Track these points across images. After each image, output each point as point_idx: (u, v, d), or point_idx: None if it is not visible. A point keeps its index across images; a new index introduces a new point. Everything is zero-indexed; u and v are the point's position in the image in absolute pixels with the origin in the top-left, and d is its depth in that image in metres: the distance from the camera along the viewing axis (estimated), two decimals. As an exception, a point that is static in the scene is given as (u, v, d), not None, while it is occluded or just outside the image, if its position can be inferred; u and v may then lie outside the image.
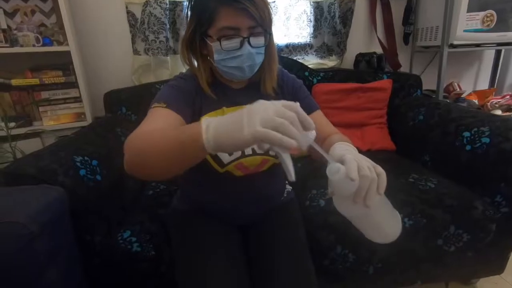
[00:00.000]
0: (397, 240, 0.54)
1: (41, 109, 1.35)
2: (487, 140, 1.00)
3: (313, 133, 0.43)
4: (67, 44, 1.27)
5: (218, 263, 0.69)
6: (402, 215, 0.55)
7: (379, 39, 1.74)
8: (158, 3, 1.42)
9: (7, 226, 0.58)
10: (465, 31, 1.52)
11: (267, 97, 0.75)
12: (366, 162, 0.47)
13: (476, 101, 1.74)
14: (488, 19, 1.51)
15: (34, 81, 1.30)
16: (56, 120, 1.37)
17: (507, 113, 1.66)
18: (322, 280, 0.74)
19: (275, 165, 0.79)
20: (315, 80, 1.54)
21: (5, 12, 1.29)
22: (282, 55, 1.66)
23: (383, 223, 0.53)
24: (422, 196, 0.97)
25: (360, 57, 1.69)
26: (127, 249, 0.83)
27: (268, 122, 0.38)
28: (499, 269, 1.09)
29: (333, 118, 1.38)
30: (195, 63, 0.74)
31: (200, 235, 0.76)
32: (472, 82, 2.07)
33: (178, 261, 0.75)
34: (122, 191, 1.00)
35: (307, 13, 1.68)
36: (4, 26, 1.27)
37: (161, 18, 1.44)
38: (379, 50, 1.74)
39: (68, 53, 1.27)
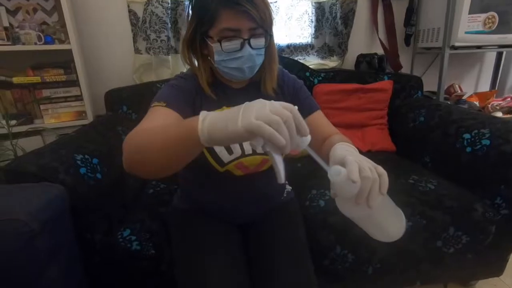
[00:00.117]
0: (397, 241, 0.54)
1: (42, 107, 1.35)
2: (487, 142, 1.00)
3: (307, 139, 0.43)
4: (69, 43, 1.27)
5: (218, 262, 0.70)
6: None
7: (380, 40, 1.74)
8: (160, 2, 1.42)
9: (8, 224, 0.59)
10: (466, 32, 1.52)
11: (267, 97, 0.75)
12: (367, 163, 0.47)
13: (477, 103, 1.74)
14: (490, 21, 1.51)
15: (36, 79, 1.30)
16: (57, 118, 1.37)
17: (508, 115, 1.66)
18: (322, 280, 0.74)
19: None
20: (316, 81, 1.54)
21: (7, 10, 1.29)
22: (283, 55, 1.66)
23: (387, 222, 0.53)
24: (422, 197, 0.97)
25: (361, 58, 1.69)
26: (127, 248, 0.83)
27: (263, 117, 0.38)
28: (498, 271, 1.09)
29: (333, 119, 1.39)
30: (196, 63, 0.74)
31: (200, 234, 0.76)
32: (473, 84, 2.07)
33: (178, 260, 0.75)
34: (122, 190, 1.00)
35: (308, 14, 1.68)
36: (6, 24, 1.27)
37: (162, 17, 1.44)
38: (380, 51, 1.75)
39: (69, 52, 1.27)
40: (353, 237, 0.89)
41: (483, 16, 1.50)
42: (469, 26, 1.51)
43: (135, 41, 1.50)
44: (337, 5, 1.61)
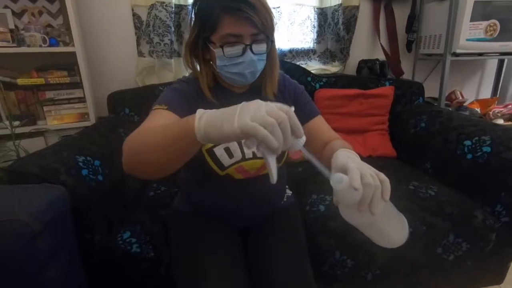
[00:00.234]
0: (397, 247, 0.54)
1: (45, 108, 1.36)
2: (488, 149, 1.01)
3: (302, 140, 0.44)
4: (73, 45, 1.28)
5: (218, 264, 0.70)
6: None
7: (382, 46, 1.74)
8: (164, 6, 1.44)
9: (9, 224, 0.59)
10: (468, 40, 1.52)
11: (267, 100, 0.77)
12: (369, 170, 0.47)
13: (478, 110, 1.74)
14: (491, 28, 1.52)
15: (40, 80, 1.31)
16: (60, 119, 1.38)
17: (509, 123, 1.66)
18: (321, 285, 0.74)
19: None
20: (317, 86, 1.55)
21: (13, 13, 1.31)
22: (285, 60, 1.67)
23: (390, 228, 0.53)
24: (422, 203, 0.97)
25: (363, 64, 1.69)
26: (127, 250, 0.84)
27: (258, 119, 0.38)
28: (498, 279, 1.08)
29: (335, 124, 1.40)
30: (198, 67, 0.75)
31: (200, 236, 0.77)
32: (474, 91, 2.08)
33: (177, 261, 0.75)
34: (123, 192, 1.01)
35: (311, 19, 1.70)
36: (12, 26, 1.29)
37: (166, 21, 1.45)
38: (382, 57, 1.75)
39: (73, 54, 1.29)
40: (353, 242, 0.89)
41: (484, 23, 1.51)
42: (470, 34, 1.52)
43: (138, 44, 1.51)
44: (339, 11, 1.62)
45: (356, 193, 0.44)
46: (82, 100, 1.39)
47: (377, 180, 0.46)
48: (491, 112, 1.70)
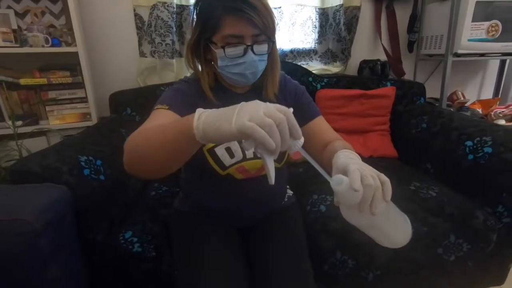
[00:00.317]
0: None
1: (47, 108, 1.37)
2: (489, 149, 1.00)
3: (300, 141, 0.44)
4: (75, 45, 1.29)
5: (219, 264, 0.70)
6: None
7: (383, 46, 1.74)
8: (166, 7, 1.44)
9: (12, 224, 0.60)
10: (469, 40, 1.52)
11: (269, 102, 0.77)
12: (370, 171, 0.47)
13: (480, 110, 1.74)
14: (493, 29, 1.51)
15: (42, 80, 1.32)
16: (62, 119, 1.39)
17: (511, 123, 1.66)
18: (321, 285, 0.74)
19: (277, 169, 0.79)
20: (318, 86, 1.55)
21: (16, 13, 1.32)
22: (286, 60, 1.67)
23: (392, 229, 0.54)
24: (423, 204, 0.97)
25: (364, 64, 1.69)
26: (128, 249, 0.84)
27: (256, 119, 0.38)
28: (499, 280, 1.08)
29: (336, 124, 1.40)
30: (199, 67, 0.75)
31: (201, 237, 0.77)
32: (476, 91, 2.07)
33: (178, 261, 0.76)
34: (125, 192, 1.01)
35: (312, 19, 1.70)
36: (15, 27, 1.30)
37: (168, 21, 1.46)
38: (383, 57, 1.75)
39: (75, 54, 1.29)
40: (354, 242, 0.89)
41: (486, 24, 1.51)
42: (472, 34, 1.51)
43: (140, 44, 1.52)
44: (341, 12, 1.62)
45: (357, 194, 0.44)
46: (84, 100, 1.39)
47: (377, 181, 0.46)
48: (492, 113, 1.70)
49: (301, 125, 0.78)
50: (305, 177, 1.18)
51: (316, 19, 1.70)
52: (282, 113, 0.40)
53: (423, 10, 1.75)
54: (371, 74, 1.66)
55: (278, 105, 0.42)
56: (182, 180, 0.88)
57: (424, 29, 1.77)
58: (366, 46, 1.81)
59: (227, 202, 0.79)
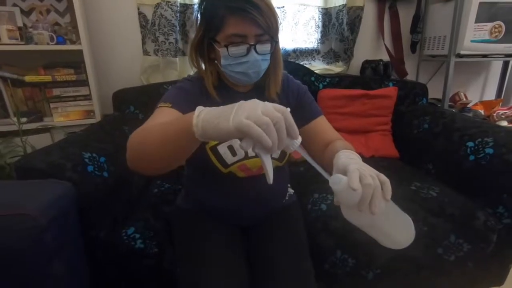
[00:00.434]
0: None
1: (52, 105, 1.38)
2: (490, 150, 1.01)
3: (297, 141, 0.44)
4: (80, 43, 1.30)
5: (220, 262, 0.71)
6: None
7: (386, 46, 1.75)
8: (169, 5, 1.45)
9: (17, 219, 0.61)
10: (472, 41, 1.52)
11: (271, 101, 0.77)
12: (369, 171, 0.48)
13: (482, 111, 1.74)
14: (496, 30, 1.51)
15: (47, 78, 1.33)
16: (66, 116, 1.40)
17: (513, 125, 1.66)
18: (322, 284, 0.75)
19: (278, 167, 0.80)
20: (321, 85, 1.55)
21: (22, 11, 1.33)
22: (289, 59, 1.68)
23: (394, 229, 0.54)
24: (424, 204, 0.98)
25: (366, 64, 1.70)
26: (131, 245, 0.85)
27: (253, 117, 0.39)
28: (499, 280, 1.08)
29: (337, 124, 1.40)
30: (203, 66, 0.76)
31: (203, 234, 0.78)
32: (478, 92, 2.07)
33: (180, 258, 0.77)
34: (128, 189, 1.02)
35: (315, 19, 1.70)
36: (20, 24, 1.31)
37: (171, 20, 1.47)
38: (386, 57, 1.76)
39: (80, 52, 1.30)
40: (354, 241, 0.90)
41: (489, 25, 1.51)
42: (475, 35, 1.51)
43: (143, 43, 1.53)
44: (344, 11, 1.63)
45: (356, 194, 0.45)
46: (88, 97, 1.40)
47: (376, 180, 0.46)
48: (495, 114, 1.70)
49: (303, 124, 0.80)
50: (306, 176, 1.19)
51: (319, 19, 1.70)
52: (279, 112, 0.41)
53: (426, 11, 1.75)
54: (374, 74, 1.66)
55: (276, 105, 0.42)
56: (185, 178, 0.89)
57: (427, 30, 1.77)
58: (369, 46, 1.82)
59: (228, 200, 0.80)
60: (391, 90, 1.52)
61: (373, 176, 0.47)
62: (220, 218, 0.81)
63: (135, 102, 1.38)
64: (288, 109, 0.42)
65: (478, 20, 1.49)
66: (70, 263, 0.73)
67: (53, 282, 0.68)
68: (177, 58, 1.53)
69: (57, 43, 1.30)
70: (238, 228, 0.84)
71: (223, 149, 0.74)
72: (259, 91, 0.79)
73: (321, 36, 1.73)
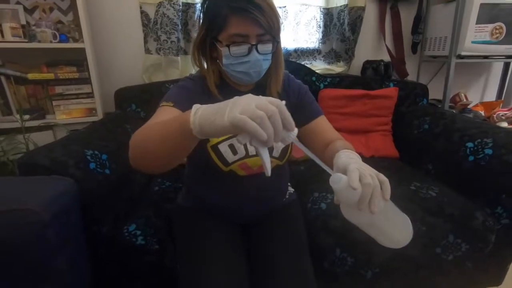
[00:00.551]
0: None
1: (54, 103, 1.39)
2: (490, 151, 1.01)
3: (294, 133, 0.44)
4: (82, 41, 1.31)
5: (220, 259, 0.72)
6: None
7: (387, 47, 1.75)
8: (172, 4, 1.46)
9: (21, 214, 0.61)
10: (473, 42, 1.53)
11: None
12: (369, 171, 0.49)
13: (482, 113, 1.74)
14: (497, 31, 1.52)
15: (50, 75, 1.34)
16: (68, 114, 1.41)
17: (513, 126, 1.66)
18: (321, 282, 0.75)
19: (278, 166, 0.81)
20: (322, 85, 1.56)
21: (25, 9, 1.34)
22: (290, 59, 1.68)
23: (392, 228, 0.55)
24: (423, 204, 0.98)
25: (367, 64, 1.70)
26: (132, 242, 0.86)
27: (248, 112, 0.39)
28: (497, 280, 1.09)
29: (338, 124, 1.41)
30: (205, 65, 0.77)
31: (203, 232, 0.78)
32: (479, 93, 2.07)
33: (181, 255, 0.77)
34: (129, 186, 1.03)
35: (316, 19, 1.71)
36: (23, 22, 1.32)
37: (173, 19, 1.47)
38: (387, 58, 1.76)
39: (83, 50, 1.31)
40: (353, 240, 0.90)
41: (490, 26, 1.51)
42: (476, 36, 1.52)
43: (145, 41, 1.54)
44: (345, 12, 1.63)
45: (355, 193, 0.46)
46: (90, 95, 1.41)
47: (376, 180, 0.47)
48: (495, 115, 1.70)
49: (303, 124, 0.80)
50: (306, 175, 1.20)
51: (320, 19, 1.71)
52: (274, 105, 0.41)
53: (428, 12, 1.76)
54: (374, 75, 1.66)
55: (270, 98, 0.42)
56: (185, 176, 0.89)
57: (428, 31, 1.77)
58: (370, 47, 1.82)
59: (229, 198, 0.80)
60: (391, 91, 1.52)
61: (373, 176, 0.47)
62: (220, 216, 0.82)
63: (137, 100, 1.38)
64: (284, 102, 0.42)
65: (479, 21, 1.50)
66: (72, 259, 0.74)
67: (55, 277, 0.68)
68: (179, 57, 1.54)
69: (60, 41, 1.31)
70: (238, 226, 0.84)
71: (224, 147, 0.75)
72: (260, 90, 0.79)
73: (323, 36, 1.74)
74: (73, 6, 1.37)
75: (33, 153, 0.84)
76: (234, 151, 0.75)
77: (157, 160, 0.55)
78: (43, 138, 1.31)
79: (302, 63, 1.68)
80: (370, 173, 0.48)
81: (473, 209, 0.97)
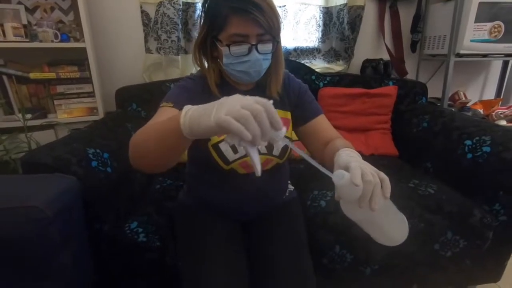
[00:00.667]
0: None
1: (56, 102, 1.40)
2: (487, 149, 1.02)
3: (282, 132, 0.44)
4: (83, 41, 1.32)
5: (220, 256, 0.73)
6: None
7: (386, 46, 1.76)
8: (172, 4, 1.46)
9: (25, 211, 0.62)
10: (472, 41, 1.53)
11: (272, 99, 0.79)
12: (370, 169, 0.50)
13: (481, 111, 1.75)
14: (496, 30, 1.52)
15: (51, 75, 1.35)
16: (70, 113, 1.42)
17: (512, 124, 1.67)
18: (320, 279, 0.76)
19: (278, 165, 0.82)
20: (321, 84, 1.57)
21: (26, 8, 1.35)
22: (290, 58, 1.69)
23: (390, 226, 0.56)
24: (421, 201, 0.99)
25: (367, 63, 1.71)
26: (134, 239, 0.87)
27: (233, 112, 0.40)
28: (496, 277, 1.10)
29: (338, 122, 1.42)
30: (206, 64, 0.77)
31: (204, 229, 0.79)
32: (478, 92, 2.08)
33: (182, 252, 0.79)
34: (130, 184, 1.04)
35: (316, 18, 1.71)
36: (25, 22, 1.33)
37: (174, 18, 1.48)
38: (386, 56, 1.77)
39: (84, 50, 1.32)
40: (353, 237, 0.91)
41: (489, 25, 1.52)
42: (474, 35, 1.52)
43: (146, 41, 1.54)
44: (345, 11, 1.64)
45: (357, 189, 0.47)
46: (91, 94, 1.42)
47: (377, 177, 0.48)
48: (494, 113, 1.71)
49: (303, 123, 0.81)
50: (306, 173, 1.21)
51: (320, 18, 1.71)
52: (260, 104, 0.41)
53: (427, 10, 1.76)
54: (374, 73, 1.67)
55: (257, 97, 0.42)
56: (187, 174, 0.90)
57: (427, 29, 1.78)
58: (369, 45, 1.83)
59: (229, 196, 0.81)
60: (391, 89, 1.53)
61: (374, 174, 0.49)
62: (221, 213, 0.83)
63: (138, 100, 1.39)
64: (271, 101, 0.42)
65: (477, 20, 1.50)
66: (75, 256, 0.75)
67: (58, 273, 0.69)
68: (179, 56, 1.55)
69: (61, 41, 1.32)
70: (239, 223, 0.85)
71: (224, 146, 0.75)
72: (260, 89, 0.80)
73: (322, 35, 1.74)
74: (74, 6, 1.37)
75: (36, 151, 0.85)
76: (234, 149, 0.76)
77: (155, 160, 0.56)
78: (44, 137, 1.32)
79: (302, 62, 1.69)
80: (371, 171, 0.49)
81: (471, 206, 0.98)
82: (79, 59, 1.38)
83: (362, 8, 1.65)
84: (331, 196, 1.01)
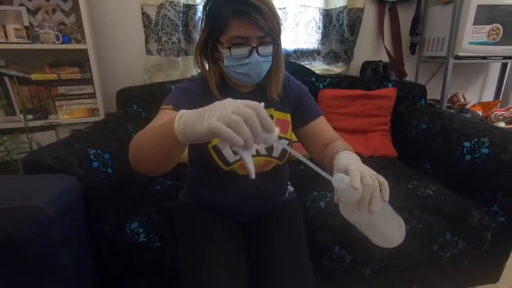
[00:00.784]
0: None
1: (57, 103, 1.41)
2: (486, 150, 1.02)
3: (274, 134, 0.44)
4: (85, 43, 1.33)
5: (220, 256, 0.73)
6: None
7: (386, 48, 1.77)
8: (173, 6, 1.47)
9: (27, 210, 0.63)
10: (470, 43, 1.54)
11: (272, 101, 0.79)
12: (369, 172, 0.51)
13: (480, 113, 1.76)
14: (494, 32, 1.53)
15: (52, 76, 1.36)
16: (71, 114, 1.43)
17: (511, 126, 1.67)
18: (320, 279, 0.77)
19: (278, 166, 0.82)
20: (321, 86, 1.57)
21: (28, 10, 1.36)
22: (290, 60, 1.70)
23: (387, 229, 0.57)
24: (420, 202, 0.99)
25: (366, 65, 1.72)
26: (134, 239, 0.87)
27: (223, 118, 0.40)
28: (494, 277, 1.10)
29: (337, 124, 1.43)
30: (207, 66, 0.78)
31: (204, 229, 0.80)
32: (477, 94, 2.09)
33: (182, 252, 0.79)
34: (131, 185, 1.05)
35: (316, 20, 1.72)
36: (27, 24, 1.34)
37: (174, 20, 1.49)
38: (385, 58, 1.77)
39: (85, 51, 1.33)
40: (352, 238, 0.91)
41: (487, 27, 1.53)
42: (473, 37, 1.53)
43: (147, 42, 1.55)
44: (344, 13, 1.65)
45: (356, 193, 0.47)
46: (92, 95, 1.43)
47: (376, 181, 0.49)
48: (492, 115, 1.72)
49: (303, 124, 0.82)
50: (306, 174, 1.21)
51: (319, 20, 1.72)
52: (251, 108, 0.41)
53: (426, 13, 1.77)
54: (373, 75, 1.68)
55: (247, 101, 0.42)
56: (187, 175, 0.91)
57: (426, 32, 1.79)
58: (369, 47, 1.84)
59: (229, 197, 0.82)
60: (390, 91, 1.54)
61: (373, 177, 0.49)
62: (221, 214, 0.83)
63: (138, 101, 1.40)
64: (262, 104, 0.42)
65: (476, 22, 1.51)
66: (75, 255, 0.75)
67: (59, 273, 0.70)
68: (180, 58, 1.56)
69: (63, 42, 1.33)
70: (239, 223, 0.86)
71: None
72: (261, 91, 0.81)
73: (322, 37, 1.75)
74: (75, 8, 1.38)
75: (37, 152, 0.85)
76: (234, 151, 0.76)
77: (153, 163, 0.56)
78: (46, 138, 1.33)
79: (302, 63, 1.69)
80: (370, 174, 0.50)
81: (469, 207, 0.99)
82: (80, 60, 1.39)
83: (361, 10, 1.66)
84: (330, 197, 1.02)
